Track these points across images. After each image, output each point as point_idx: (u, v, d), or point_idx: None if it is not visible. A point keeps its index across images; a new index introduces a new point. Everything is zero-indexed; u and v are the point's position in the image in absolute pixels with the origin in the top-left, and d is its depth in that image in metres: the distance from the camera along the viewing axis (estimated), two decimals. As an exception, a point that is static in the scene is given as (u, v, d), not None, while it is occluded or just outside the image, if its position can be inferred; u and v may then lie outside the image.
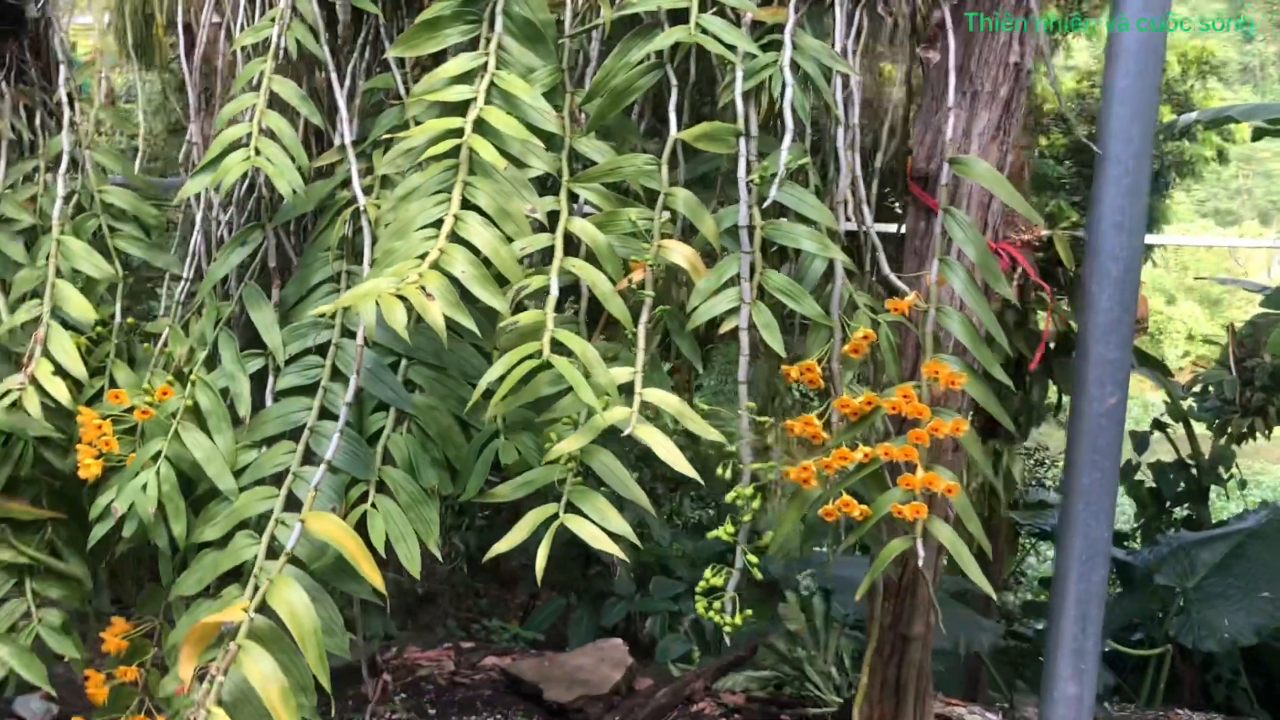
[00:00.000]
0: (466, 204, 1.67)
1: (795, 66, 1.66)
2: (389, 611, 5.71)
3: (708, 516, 6.56)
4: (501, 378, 1.52)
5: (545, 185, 1.79)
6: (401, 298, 1.50)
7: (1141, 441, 6.04)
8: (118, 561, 2.07)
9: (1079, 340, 1.72)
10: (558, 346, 1.55)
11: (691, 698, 4.63)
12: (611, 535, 1.57)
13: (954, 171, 1.68)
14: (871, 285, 1.82)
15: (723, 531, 1.60)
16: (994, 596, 1.59)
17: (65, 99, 2.01)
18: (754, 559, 1.60)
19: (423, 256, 1.61)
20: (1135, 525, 6.22)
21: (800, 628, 4.72)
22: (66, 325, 1.91)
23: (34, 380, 1.82)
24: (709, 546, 5.56)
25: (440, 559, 1.80)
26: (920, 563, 1.56)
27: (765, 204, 1.63)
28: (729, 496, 1.59)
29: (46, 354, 1.85)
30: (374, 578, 1.64)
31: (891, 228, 1.99)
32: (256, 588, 1.64)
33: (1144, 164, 1.67)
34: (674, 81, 1.73)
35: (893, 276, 1.70)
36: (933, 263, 1.68)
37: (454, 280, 1.58)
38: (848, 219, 1.77)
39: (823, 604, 4.71)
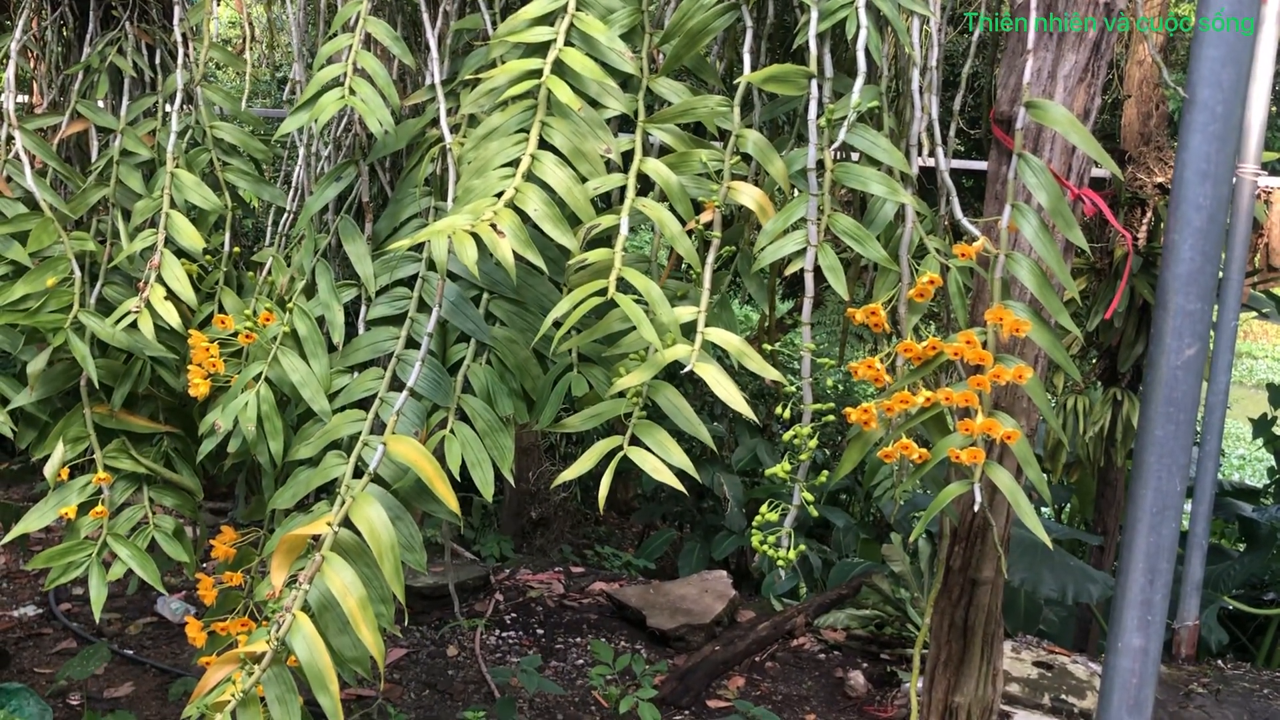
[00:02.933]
0: (543, 144, 1.72)
1: (872, 8, 1.65)
2: (502, 532, 5.89)
3: (823, 456, 6.57)
4: (569, 313, 1.58)
5: (622, 125, 1.82)
6: (474, 234, 1.57)
7: (1278, 394, 5.79)
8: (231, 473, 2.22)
9: (1158, 290, 1.68)
10: (624, 285, 1.60)
11: (792, 632, 4.70)
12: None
13: (1030, 116, 1.65)
14: (946, 230, 1.81)
15: (780, 469, 1.63)
16: (1049, 545, 1.59)
17: (180, 38, 2.13)
18: (809, 497, 1.63)
19: (500, 195, 1.67)
20: (1269, 481, 5.99)
21: (905, 569, 4.73)
22: (179, 253, 2.04)
23: (148, 304, 1.96)
24: (818, 488, 5.60)
25: (514, 483, 1.88)
26: (976, 507, 1.57)
27: (834, 146, 1.63)
28: (786, 436, 1.62)
29: (160, 280, 1.99)
30: (449, 499, 1.73)
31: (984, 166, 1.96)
32: (342, 504, 1.75)
33: (1234, 110, 1.61)
34: (749, 23, 1.73)
35: (964, 221, 1.69)
36: (1006, 207, 1.67)
37: (527, 218, 1.64)
38: (924, 159, 1.76)
39: (928, 546, 4.70)
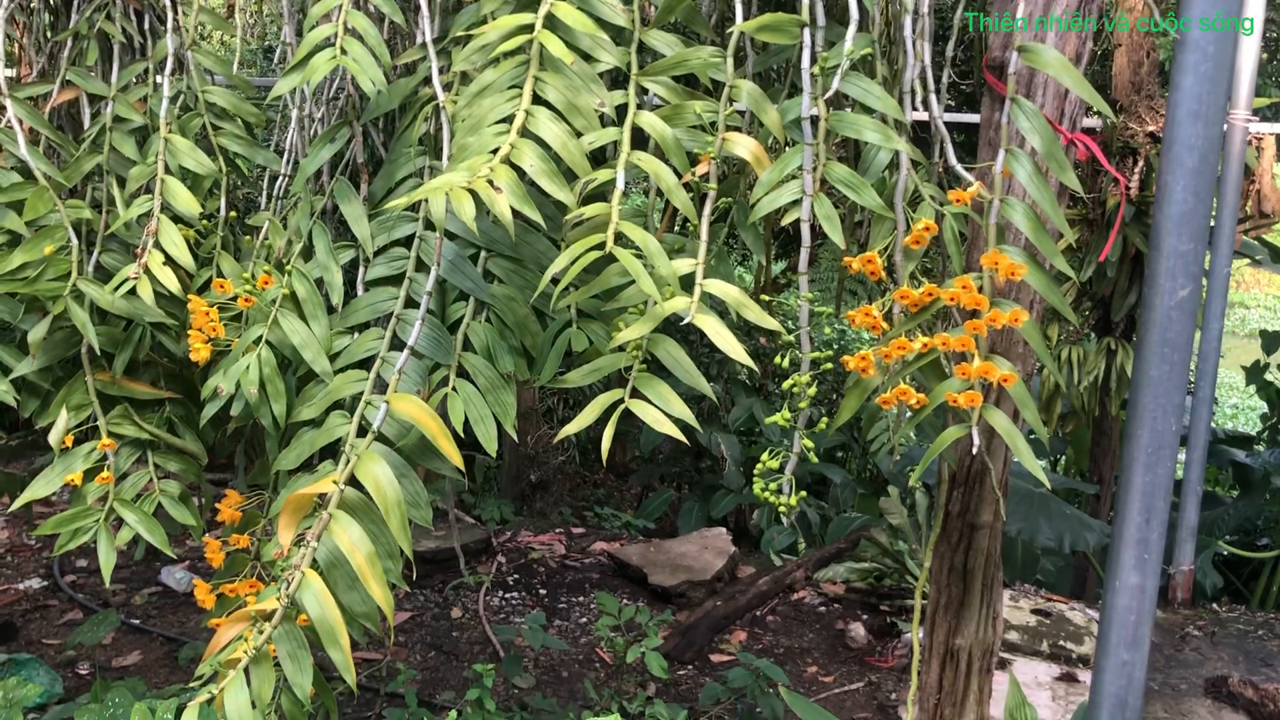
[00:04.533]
0: (537, 99, 1.72)
1: (863, -46, 1.65)
2: (503, 495, 5.92)
3: (819, 414, 6.61)
4: (567, 269, 1.59)
5: (615, 79, 1.82)
6: (471, 191, 1.57)
7: (1272, 341, 5.82)
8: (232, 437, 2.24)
9: (1151, 231, 1.69)
10: (622, 239, 1.61)
11: (792, 586, 4.74)
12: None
13: (1023, 60, 1.66)
14: (941, 176, 1.82)
15: (780, 418, 1.65)
16: (1047, 486, 1.61)
17: (169, 2, 2.12)
18: (810, 444, 1.65)
19: (495, 151, 1.68)
20: (1262, 428, 6.03)
21: (903, 521, 4.77)
22: (176, 219, 2.04)
23: (147, 270, 1.97)
24: (818, 440, 5.64)
25: (517, 440, 1.89)
26: (975, 450, 1.59)
27: (828, 95, 1.63)
28: (785, 384, 1.64)
29: (158, 245, 2.00)
30: (453, 456, 1.74)
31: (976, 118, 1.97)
32: (348, 462, 1.76)
33: (1225, 50, 1.61)
34: (740, -28, 1.73)
35: (959, 167, 1.70)
36: (1000, 152, 1.67)
37: (523, 175, 1.64)
38: (918, 108, 1.76)
39: (925, 498, 4.74)
